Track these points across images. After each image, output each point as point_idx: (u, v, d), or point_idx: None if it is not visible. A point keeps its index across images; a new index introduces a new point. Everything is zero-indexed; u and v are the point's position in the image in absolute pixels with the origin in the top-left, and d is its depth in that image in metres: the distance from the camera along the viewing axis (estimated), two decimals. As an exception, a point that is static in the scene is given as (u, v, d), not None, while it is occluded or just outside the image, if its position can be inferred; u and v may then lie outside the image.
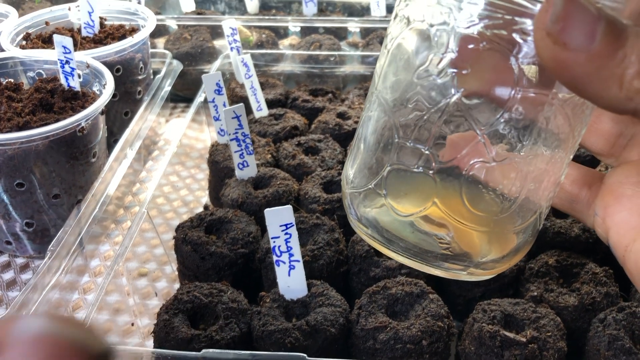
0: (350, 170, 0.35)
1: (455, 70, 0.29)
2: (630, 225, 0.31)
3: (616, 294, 0.62)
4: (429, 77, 0.29)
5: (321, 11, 1.42)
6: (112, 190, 0.75)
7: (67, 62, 0.85)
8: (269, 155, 0.86)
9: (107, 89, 0.84)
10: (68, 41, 0.84)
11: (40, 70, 0.93)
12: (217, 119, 0.88)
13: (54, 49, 0.86)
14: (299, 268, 0.61)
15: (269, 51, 1.16)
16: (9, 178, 0.76)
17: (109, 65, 0.93)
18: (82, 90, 0.87)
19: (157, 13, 1.14)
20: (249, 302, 0.63)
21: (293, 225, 0.60)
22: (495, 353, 0.56)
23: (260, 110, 0.97)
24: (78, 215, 0.70)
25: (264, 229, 0.69)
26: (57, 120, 0.77)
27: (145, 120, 0.90)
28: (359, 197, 0.34)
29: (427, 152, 0.30)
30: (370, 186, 0.33)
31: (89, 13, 1.04)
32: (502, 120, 0.29)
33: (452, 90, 0.29)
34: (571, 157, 0.32)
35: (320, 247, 0.67)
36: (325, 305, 0.60)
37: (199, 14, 1.40)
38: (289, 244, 0.60)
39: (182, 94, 1.21)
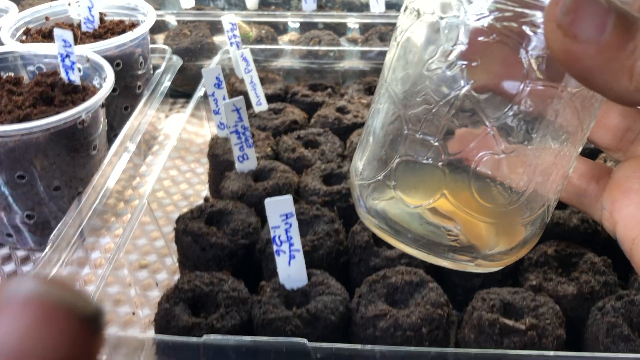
0: (359, 162, 0.35)
1: (465, 63, 0.29)
2: (638, 219, 0.32)
3: (615, 283, 0.63)
4: (438, 69, 0.29)
5: (320, 7, 1.42)
6: (113, 184, 0.75)
7: (67, 55, 0.86)
8: (269, 149, 0.86)
9: (107, 82, 0.84)
10: (68, 35, 0.85)
11: (41, 65, 0.93)
12: (217, 113, 0.88)
13: (54, 43, 0.87)
14: (299, 258, 0.61)
15: (268, 46, 1.16)
16: (10, 170, 0.76)
17: (109, 59, 0.93)
18: (82, 84, 0.87)
19: (156, 9, 1.14)
20: (249, 293, 0.63)
21: (293, 215, 0.60)
22: (494, 340, 0.56)
23: (260, 104, 0.97)
24: (78, 207, 0.70)
25: (264, 221, 0.69)
26: (57, 113, 0.77)
27: (145, 115, 0.90)
28: (368, 188, 0.34)
29: (436, 143, 0.30)
30: (379, 178, 0.33)
31: (89, 8, 1.04)
32: (511, 113, 0.29)
33: (462, 82, 0.29)
34: (580, 150, 0.32)
35: (320, 238, 0.67)
36: (325, 294, 0.60)
37: (198, 9, 1.40)
38: (289, 234, 0.61)
39: (182, 89, 1.21)
